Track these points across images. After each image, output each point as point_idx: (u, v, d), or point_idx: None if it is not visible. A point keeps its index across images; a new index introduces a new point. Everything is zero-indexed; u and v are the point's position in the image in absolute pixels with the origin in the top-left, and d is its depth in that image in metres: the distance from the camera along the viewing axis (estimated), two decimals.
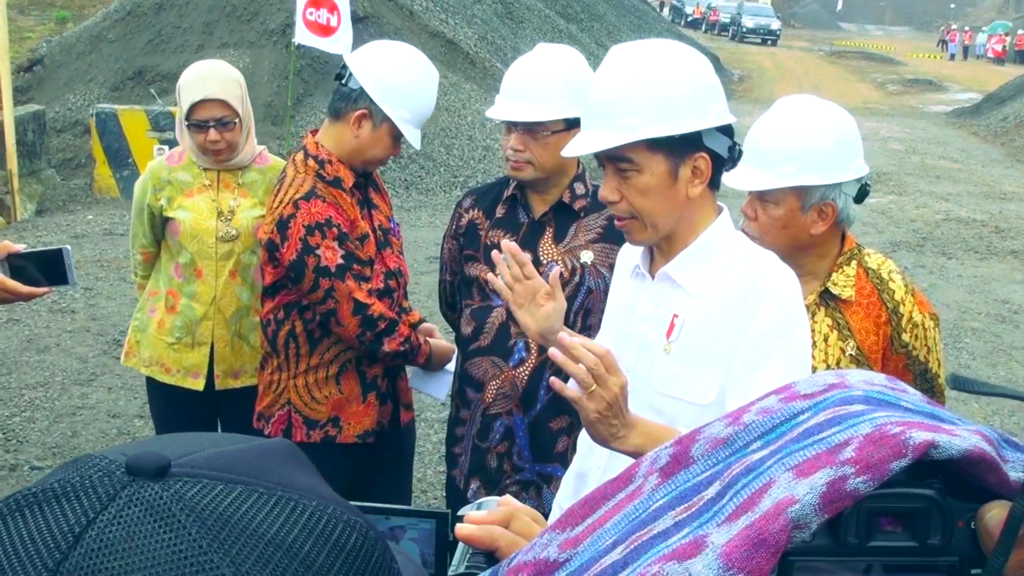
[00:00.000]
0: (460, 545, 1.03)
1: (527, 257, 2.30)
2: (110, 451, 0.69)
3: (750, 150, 2.58)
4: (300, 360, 3.27)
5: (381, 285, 3.25)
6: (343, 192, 3.19)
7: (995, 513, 0.70)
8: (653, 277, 2.24)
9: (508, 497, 1.09)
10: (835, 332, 2.72)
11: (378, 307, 3.18)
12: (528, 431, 3.07)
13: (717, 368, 2.12)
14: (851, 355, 2.71)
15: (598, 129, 2.11)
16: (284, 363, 3.29)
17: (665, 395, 2.16)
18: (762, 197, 2.63)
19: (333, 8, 8.83)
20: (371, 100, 3.14)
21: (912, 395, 0.79)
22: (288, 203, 3.12)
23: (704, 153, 2.12)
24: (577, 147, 2.17)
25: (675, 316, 2.18)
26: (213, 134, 3.57)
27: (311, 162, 3.18)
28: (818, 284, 2.74)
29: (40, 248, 2.79)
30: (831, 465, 0.67)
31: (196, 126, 3.57)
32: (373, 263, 3.26)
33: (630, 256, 2.38)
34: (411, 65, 3.22)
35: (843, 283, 2.73)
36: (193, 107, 3.55)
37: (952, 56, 51.99)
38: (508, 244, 2.30)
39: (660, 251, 2.24)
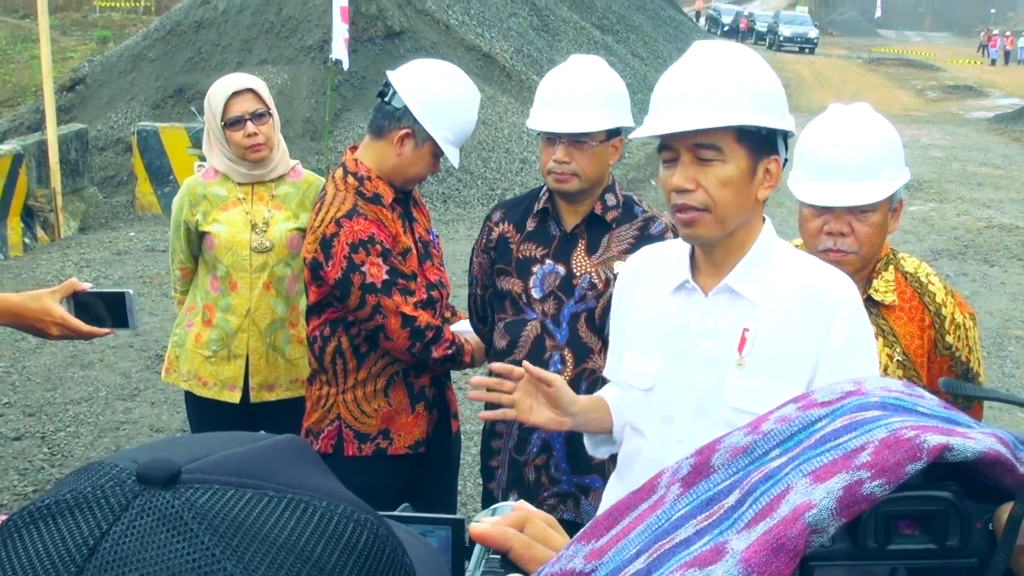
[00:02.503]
0: (476, 549, 1.04)
1: (509, 367, 2.33)
2: (120, 457, 0.69)
3: (831, 164, 2.55)
4: (348, 375, 3.27)
5: (424, 296, 3.26)
6: (383, 208, 3.19)
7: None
8: (705, 291, 2.20)
9: (523, 502, 1.10)
10: (880, 339, 2.69)
11: (424, 317, 3.19)
12: (565, 443, 3.07)
13: (791, 381, 2.10)
14: (898, 360, 2.69)
15: (690, 110, 2.04)
16: (332, 379, 3.29)
17: (741, 411, 2.10)
18: (860, 208, 2.58)
19: (345, 17, 8.99)
20: (415, 120, 3.14)
21: (929, 400, 0.80)
22: (330, 222, 3.13)
23: (777, 157, 2.12)
24: (667, 124, 2.07)
25: (746, 330, 2.14)
26: (250, 127, 3.63)
27: (351, 179, 3.19)
28: (860, 292, 2.74)
29: (105, 289, 2.82)
30: (847, 470, 0.68)
31: (233, 124, 3.63)
32: (416, 277, 3.27)
33: (645, 271, 2.35)
34: (454, 85, 3.22)
35: (884, 289, 2.72)
36: (227, 105, 3.63)
37: (993, 61, 51.44)
38: (485, 380, 2.35)
39: (710, 262, 2.20)
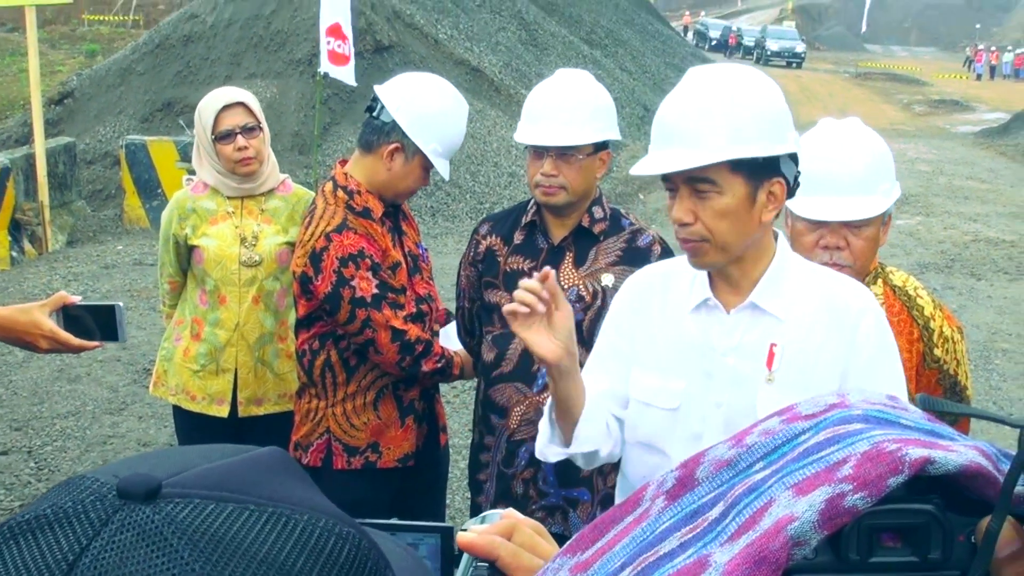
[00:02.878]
0: (464, 557, 1.04)
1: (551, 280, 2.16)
2: (101, 471, 0.68)
3: (827, 179, 2.56)
4: (338, 388, 3.27)
5: (414, 310, 3.26)
6: (373, 222, 3.19)
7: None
8: (727, 308, 2.21)
9: (511, 510, 1.10)
10: None
11: (414, 331, 3.19)
12: None
13: (822, 392, 2.09)
14: None
15: (680, 148, 2.05)
16: (322, 392, 3.29)
17: None
18: (856, 223, 2.60)
19: (345, 37, 8.96)
20: (404, 134, 3.15)
21: (913, 412, 0.80)
22: (320, 236, 3.13)
23: (780, 179, 2.10)
24: (660, 165, 2.09)
25: (773, 345, 2.15)
26: (240, 140, 3.63)
27: (340, 193, 3.19)
28: None
29: (94, 302, 2.81)
30: (829, 483, 0.68)
31: (223, 137, 3.63)
32: (406, 291, 3.27)
33: (655, 290, 2.32)
34: (443, 98, 3.23)
35: None
36: (218, 118, 3.63)
37: (979, 76, 51.73)
38: (545, 272, 2.14)
39: (728, 281, 2.20)
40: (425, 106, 3.17)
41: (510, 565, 0.99)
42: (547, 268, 2.16)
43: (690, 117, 2.06)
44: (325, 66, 8.97)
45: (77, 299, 2.72)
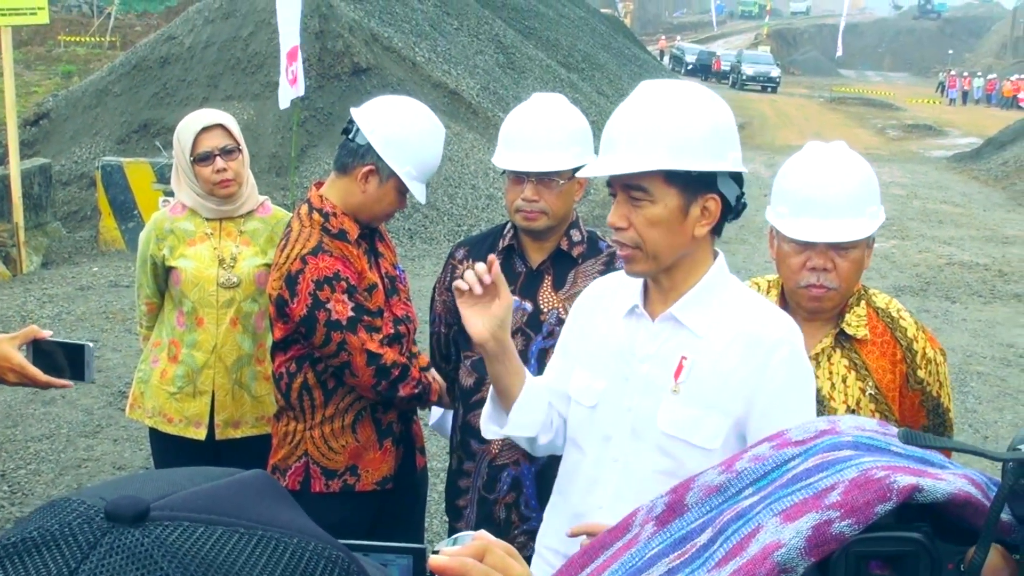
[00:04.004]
0: None
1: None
2: (87, 493, 0.68)
3: (815, 201, 2.60)
4: (315, 411, 3.25)
5: (391, 331, 3.25)
6: (349, 244, 3.19)
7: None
8: (653, 318, 2.26)
9: (483, 532, 1.10)
10: (853, 372, 2.73)
11: (390, 355, 3.17)
12: (535, 479, 3.06)
13: (724, 415, 2.16)
14: (871, 395, 2.72)
15: (619, 154, 2.12)
16: (299, 415, 3.27)
17: (672, 436, 2.18)
18: (843, 245, 2.63)
19: (293, 58, 9.01)
20: (378, 156, 3.14)
21: None
22: (296, 259, 3.12)
23: (715, 196, 2.15)
24: (597, 168, 2.18)
25: (683, 358, 2.20)
26: (219, 162, 3.61)
27: (316, 215, 3.18)
28: (832, 327, 2.76)
29: (65, 340, 2.78)
30: (817, 509, 0.68)
31: (201, 159, 3.61)
32: (383, 313, 3.26)
33: (608, 295, 2.39)
34: (418, 121, 3.22)
35: (856, 323, 2.75)
36: (197, 140, 3.61)
37: (952, 101, 52.21)
38: (491, 259, 2.29)
39: (659, 291, 2.26)
40: (399, 129, 3.17)
41: None
42: (492, 256, 2.30)
43: (632, 126, 2.13)
44: (286, 97, 9.04)
45: (48, 334, 2.70)
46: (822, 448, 0.77)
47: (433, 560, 0.99)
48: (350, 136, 3.20)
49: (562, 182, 3.01)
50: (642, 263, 2.18)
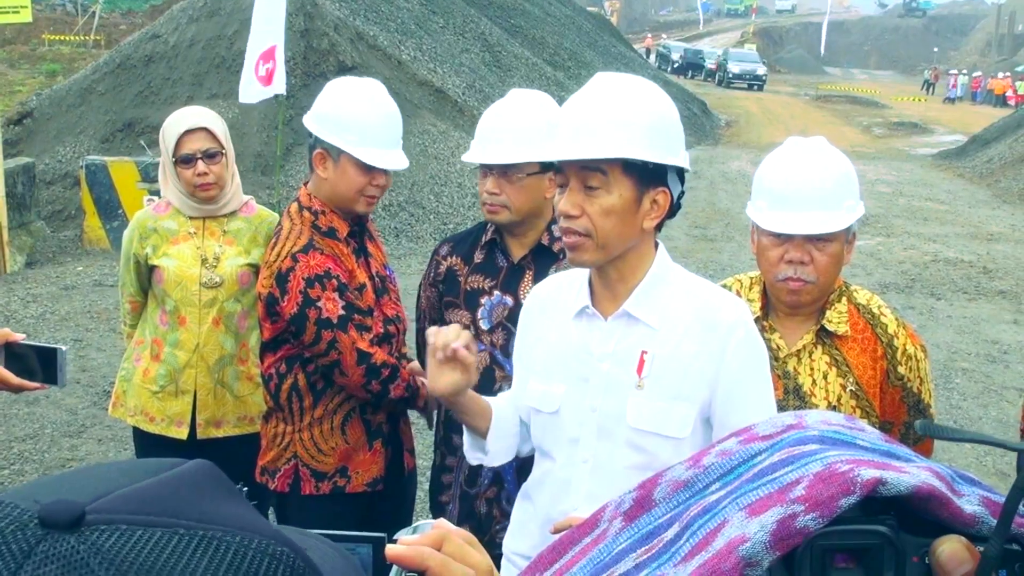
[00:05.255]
0: (393, 569, 1.04)
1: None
2: (19, 495, 0.65)
3: (792, 194, 2.62)
4: (304, 413, 3.24)
5: (381, 330, 3.24)
6: (339, 242, 3.18)
7: (947, 547, 0.71)
8: (604, 316, 2.27)
9: (443, 520, 1.10)
10: (834, 369, 2.74)
11: (380, 355, 3.16)
12: (516, 474, 3.07)
13: (690, 402, 2.19)
14: (851, 391, 2.73)
15: (577, 140, 2.13)
16: (289, 416, 3.26)
17: (642, 431, 2.20)
18: (820, 238, 2.64)
19: (269, 56, 9.00)
20: (319, 138, 3.15)
21: (870, 433, 0.80)
22: (286, 256, 3.11)
23: (665, 189, 2.18)
24: (558, 151, 2.16)
25: (644, 352, 2.21)
26: (201, 166, 3.59)
27: (306, 214, 3.18)
28: (813, 323, 2.77)
29: (39, 343, 2.77)
30: (781, 503, 0.68)
31: (183, 161, 3.60)
32: (372, 312, 3.25)
33: (551, 300, 2.40)
34: (346, 90, 3.21)
35: (837, 320, 2.76)
36: (180, 141, 3.59)
37: (952, 100, 52.02)
38: (458, 333, 2.25)
39: (606, 287, 2.27)
40: (328, 104, 3.18)
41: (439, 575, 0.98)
42: (467, 333, 2.26)
43: (591, 114, 2.13)
44: (244, 96, 9.02)
45: (21, 337, 2.68)
46: (788, 443, 0.77)
47: (390, 549, 0.98)
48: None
49: (523, 176, 3.01)
50: (591, 252, 2.19)
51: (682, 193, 2.24)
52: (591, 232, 2.16)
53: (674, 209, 2.23)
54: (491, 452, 2.44)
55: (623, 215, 2.15)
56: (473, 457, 2.53)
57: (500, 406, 2.46)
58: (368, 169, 3.16)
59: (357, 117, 3.15)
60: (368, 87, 3.23)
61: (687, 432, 2.18)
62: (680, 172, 2.22)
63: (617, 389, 2.23)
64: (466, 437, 2.51)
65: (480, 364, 3.08)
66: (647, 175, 2.14)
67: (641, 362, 2.20)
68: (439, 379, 2.24)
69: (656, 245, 2.29)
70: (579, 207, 2.15)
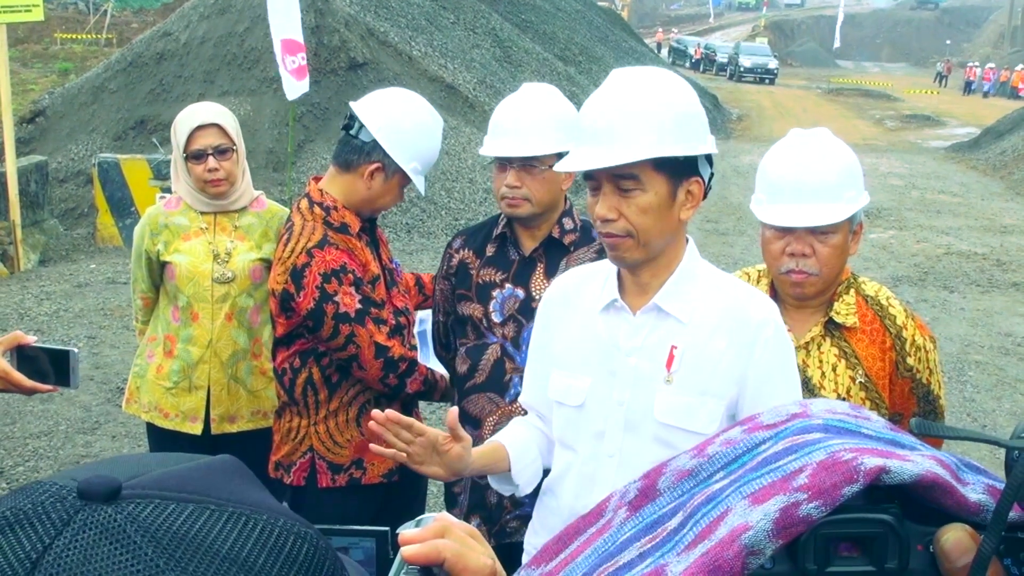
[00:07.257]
0: (396, 560, 1.04)
1: (410, 420, 2.26)
2: (59, 476, 0.69)
3: (792, 187, 2.62)
4: (320, 406, 3.25)
5: (393, 323, 3.25)
6: (351, 237, 3.19)
7: (951, 536, 0.71)
8: (632, 310, 2.26)
9: (444, 514, 1.10)
10: (843, 361, 2.74)
11: (397, 348, 3.18)
12: None
13: (718, 398, 2.19)
14: (860, 382, 2.73)
15: (608, 145, 2.10)
16: (304, 410, 3.26)
17: (670, 426, 2.19)
18: (821, 230, 2.64)
19: (295, 49, 8.90)
20: (385, 153, 3.14)
21: (875, 422, 0.80)
22: (301, 252, 3.11)
23: (698, 178, 2.18)
24: (589, 162, 2.13)
25: (674, 347, 2.20)
26: (212, 162, 3.60)
27: (317, 209, 3.18)
28: (822, 315, 2.77)
29: (49, 345, 2.77)
30: (784, 492, 0.69)
31: (194, 157, 3.61)
32: (384, 304, 3.26)
33: (573, 293, 2.39)
34: (421, 117, 3.22)
35: (845, 311, 2.75)
36: (191, 137, 3.60)
37: (985, 94, 51.47)
38: (388, 414, 2.26)
39: (636, 281, 2.26)
40: (405, 126, 3.17)
41: (456, 566, 0.99)
42: (453, 409, 2.30)
43: (617, 116, 2.12)
44: (290, 92, 8.93)
45: (32, 339, 2.69)
46: (793, 431, 0.77)
47: (405, 551, 0.99)
48: (352, 132, 3.19)
49: (544, 168, 3.02)
50: (633, 251, 2.18)
51: (712, 175, 2.24)
52: (632, 232, 2.15)
53: (706, 192, 2.22)
54: (521, 484, 2.45)
55: (660, 211, 2.14)
56: (504, 491, 2.54)
57: (515, 435, 2.46)
58: (404, 189, 3.26)
59: (429, 148, 3.23)
60: (437, 117, 3.29)
61: (713, 428, 2.16)
62: (708, 156, 2.21)
63: (645, 383, 2.22)
64: (491, 478, 2.51)
65: (492, 357, 3.10)
66: (679, 168, 2.14)
67: (671, 356, 2.20)
68: (432, 469, 2.28)
69: (687, 240, 2.28)
70: (615, 210, 2.14)
